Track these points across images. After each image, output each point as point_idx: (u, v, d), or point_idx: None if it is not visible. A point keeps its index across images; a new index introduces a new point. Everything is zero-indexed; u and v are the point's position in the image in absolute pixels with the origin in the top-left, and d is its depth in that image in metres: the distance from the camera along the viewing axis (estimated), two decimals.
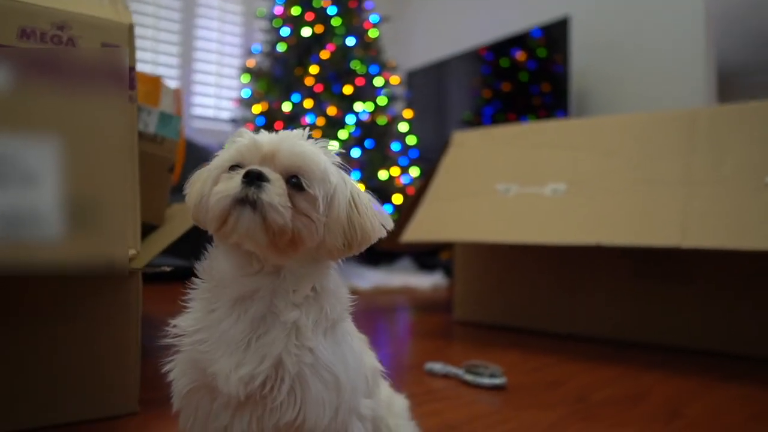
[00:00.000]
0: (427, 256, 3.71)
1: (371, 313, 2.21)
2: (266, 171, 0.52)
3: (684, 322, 1.57)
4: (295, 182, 0.53)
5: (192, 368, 0.55)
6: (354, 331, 0.65)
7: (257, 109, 3.18)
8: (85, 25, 0.90)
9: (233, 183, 0.52)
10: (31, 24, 0.87)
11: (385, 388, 0.77)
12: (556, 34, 3.28)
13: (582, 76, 3.37)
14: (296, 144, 0.55)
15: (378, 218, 0.60)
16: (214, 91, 3.90)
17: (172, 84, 3.70)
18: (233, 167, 0.54)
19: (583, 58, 3.35)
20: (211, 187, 0.54)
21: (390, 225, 0.62)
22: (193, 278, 0.59)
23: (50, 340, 0.87)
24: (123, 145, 0.90)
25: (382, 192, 3.19)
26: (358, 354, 0.60)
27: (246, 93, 3.34)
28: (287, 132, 0.57)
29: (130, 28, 0.95)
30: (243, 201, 0.51)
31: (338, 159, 0.59)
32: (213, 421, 0.55)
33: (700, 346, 1.54)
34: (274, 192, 0.51)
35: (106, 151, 0.88)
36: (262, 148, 0.54)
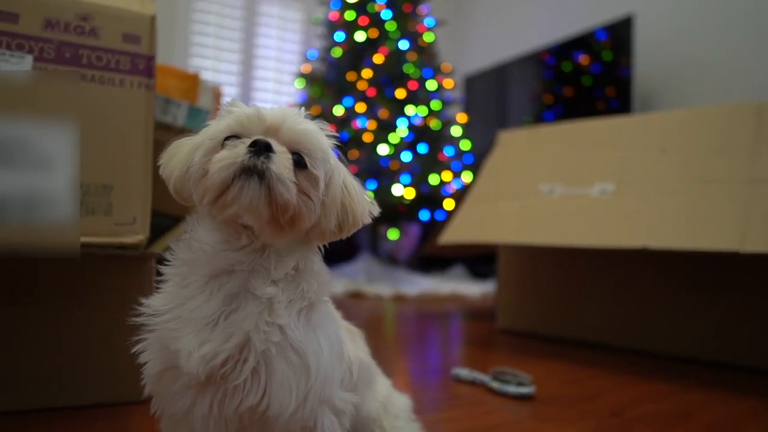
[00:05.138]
0: (481, 264, 3.61)
1: (413, 319, 2.16)
2: (272, 142, 0.50)
3: (743, 338, 1.41)
4: (297, 159, 0.51)
5: (161, 349, 0.52)
6: (337, 319, 0.61)
7: (312, 113, 3.21)
8: (107, 16, 0.92)
9: (239, 151, 0.49)
10: (56, 15, 0.89)
11: (383, 387, 0.73)
12: (619, 33, 3.12)
13: (647, 78, 3.19)
14: (300, 121, 0.53)
15: (366, 204, 0.58)
16: (273, 98, 3.99)
17: (231, 90, 3.83)
18: (230, 138, 0.52)
19: (648, 59, 3.16)
20: (203, 156, 0.52)
21: (376, 211, 0.60)
22: (169, 255, 0.57)
23: (62, 323, 0.88)
24: (137, 133, 0.91)
25: (432, 196, 3.13)
26: (335, 341, 0.56)
27: (301, 98, 3.39)
28: (286, 107, 0.56)
29: (152, 19, 0.96)
30: (250, 171, 0.48)
31: (335, 141, 0.57)
32: (176, 403, 0.52)
33: (760, 364, 1.38)
34: (283, 164, 0.49)
35: (119, 137, 0.90)
36: (266, 121, 0.52)
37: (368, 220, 0.58)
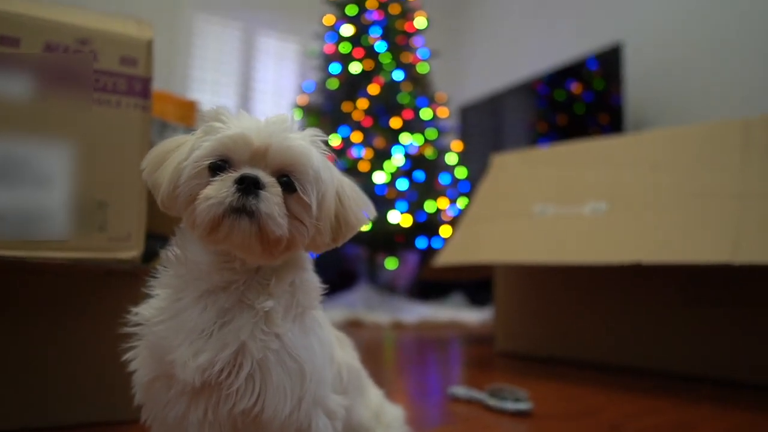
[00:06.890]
0: (480, 291, 3.60)
1: (412, 345, 2.15)
2: (260, 175, 0.48)
3: (740, 353, 1.40)
4: (286, 181, 0.50)
5: (152, 358, 0.52)
6: (326, 324, 0.62)
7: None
8: (105, 40, 0.95)
9: (225, 188, 0.48)
10: (56, 39, 0.92)
11: (375, 396, 0.73)
12: (609, 62, 3.19)
13: (638, 106, 3.24)
14: (287, 138, 0.51)
15: (361, 208, 0.58)
16: None
17: None
18: (214, 163, 0.50)
19: (639, 86, 3.22)
20: (189, 180, 0.50)
21: (373, 213, 0.59)
22: (159, 266, 0.57)
23: (55, 339, 0.88)
24: (133, 152, 0.93)
25: (429, 224, 3.15)
26: (326, 344, 0.57)
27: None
28: (273, 120, 0.53)
29: (149, 43, 0.98)
30: (239, 210, 0.47)
31: (326, 148, 0.55)
32: (170, 410, 0.52)
33: (760, 380, 1.37)
34: (273, 201, 0.48)
35: (115, 156, 0.91)
36: (252, 144, 0.50)
37: (364, 225, 0.57)
